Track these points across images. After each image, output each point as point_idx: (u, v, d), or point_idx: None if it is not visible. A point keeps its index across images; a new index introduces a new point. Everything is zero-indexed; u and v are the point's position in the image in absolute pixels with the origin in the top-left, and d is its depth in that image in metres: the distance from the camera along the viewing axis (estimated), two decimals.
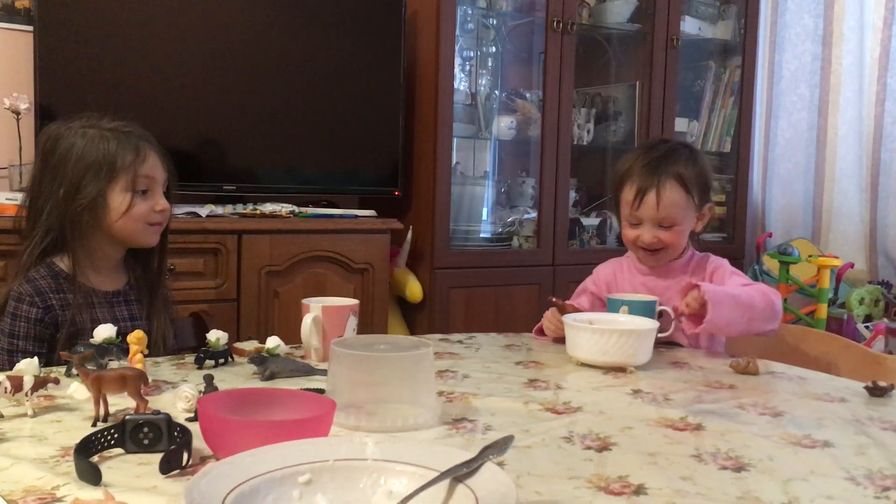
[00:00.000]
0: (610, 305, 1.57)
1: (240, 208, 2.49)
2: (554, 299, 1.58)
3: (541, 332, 1.65)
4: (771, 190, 3.60)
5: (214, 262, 2.35)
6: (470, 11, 3.04)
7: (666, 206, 1.61)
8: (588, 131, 3.22)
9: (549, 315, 1.60)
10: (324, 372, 1.24)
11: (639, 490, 0.79)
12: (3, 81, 2.46)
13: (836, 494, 0.80)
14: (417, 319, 2.83)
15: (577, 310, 1.56)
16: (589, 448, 0.93)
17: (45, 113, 2.28)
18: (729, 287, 1.55)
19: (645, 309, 1.51)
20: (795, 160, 3.51)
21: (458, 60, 2.90)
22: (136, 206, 1.44)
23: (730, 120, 3.52)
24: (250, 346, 1.41)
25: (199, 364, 1.30)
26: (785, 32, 3.54)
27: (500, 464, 0.82)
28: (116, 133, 1.44)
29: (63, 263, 1.43)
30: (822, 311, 3.03)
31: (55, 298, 1.40)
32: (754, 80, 3.52)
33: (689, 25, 3.35)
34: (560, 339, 1.55)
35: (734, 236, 3.48)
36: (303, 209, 2.58)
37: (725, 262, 1.69)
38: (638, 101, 3.27)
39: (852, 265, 3.18)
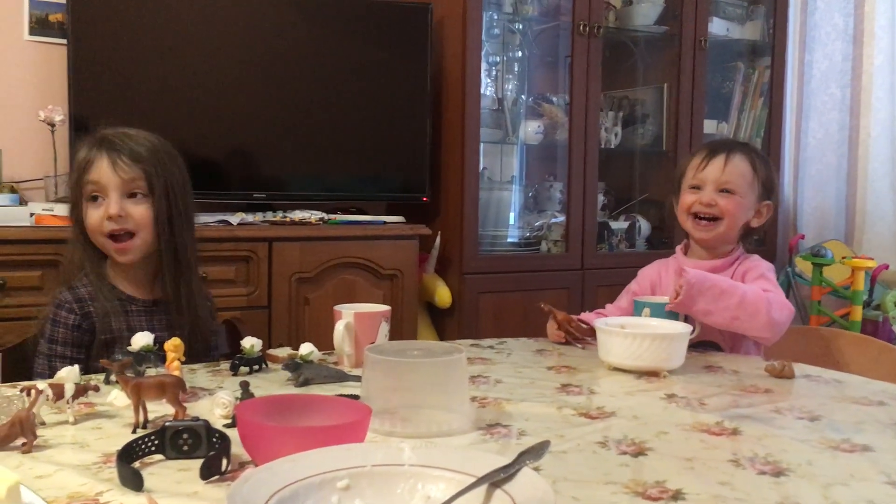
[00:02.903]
0: (635, 308, 1.57)
1: (269, 216, 2.52)
2: (543, 305, 1.65)
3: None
4: (802, 191, 3.56)
5: (246, 270, 2.37)
6: (496, 17, 3.04)
7: (731, 170, 1.65)
8: (616, 134, 3.21)
9: (549, 325, 1.66)
10: (357, 378, 1.24)
11: (676, 495, 0.79)
12: (38, 94, 2.51)
13: (878, 499, 0.79)
14: (446, 325, 2.83)
15: (566, 317, 1.62)
16: (624, 453, 0.92)
17: (79, 124, 2.32)
18: (727, 281, 1.54)
19: (665, 311, 1.51)
20: (827, 161, 3.47)
21: (484, 66, 2.90)
22: (88, 216, 1.42)
23: (759, 121, 3.48)
24: (283, 352, 1.42)
25: (234, 371, 1.31)
26: (815, 32, 3.50)
27: (536, 469, 0.82)
28: (93, 139, 1.44)
29: (107, 271, 1.46)
30: (857, 313, 2.98)
31: (94, 305, 1.42)
32: (784, 81, 3.48)
33: (717, 26, 3.32)
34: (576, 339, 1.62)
35: (765, 238, 3.44)
36: (332, 216, 2.60)
37: (764, 265, 1.67)
38: (666, 103, 3.25)
39: (887, 266, 3.13)
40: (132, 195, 1.42)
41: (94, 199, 1.41)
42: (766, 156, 1.76)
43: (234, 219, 2.42)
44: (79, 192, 1.43)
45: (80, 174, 1.42)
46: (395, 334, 1.46)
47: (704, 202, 1.65)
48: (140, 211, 1.42)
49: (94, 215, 1.41)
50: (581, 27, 2.93)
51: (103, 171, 1.40)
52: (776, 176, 1.76)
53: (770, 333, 1.52)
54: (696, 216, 1.67)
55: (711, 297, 1.48)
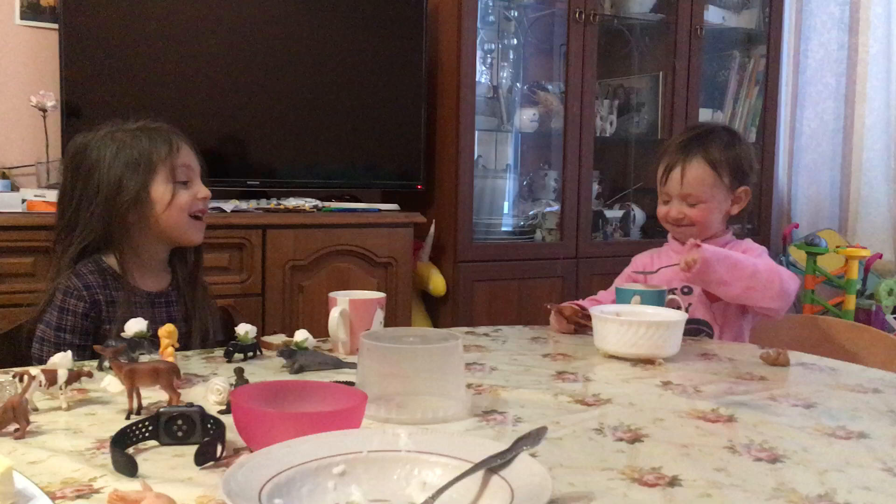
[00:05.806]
0: (619, 296, 1.55)
1: (263, 203, 2.50)
2: (550, 306, 1.64)
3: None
4: (797, 180, 3.56)
5: (240, 257, 2.36)
6: (491, 4, 3.03)
7: (690, 182, 1.65)
8: (611, 123, 3.20)
9: (554, 321, 1.63)
10: (352, 365, 1.24)
11: (673, 481, 0.79)
12: (30, 79, 2.49)
13: (874, 486, 0.79)
14: (441, 313, 2.83)
15: (574, 310, 1.59)
16: (621, 440, 0.92)
17: (71, 110, 2.31)
18: (738, 254, 1.56)
19: (655, 298, 1.51)
20: (822, 150, 3.47)
21: (479, 53, 2.89)
22: (179, 196, 1.45)
23: (755, 110, 3.48)
24: (278, 339, 1.41)
25: (229, 358, 1.30)
26: (810, 20, 3.50)
27: (532, 455, 0.82)
28: (146, 130, 1.46)
29: (110, 261, 1.45)
30: (851, 302, 3.00)
31: (102, 294, 1.41)
32: (779, 70, 3.48)
33: (713, 14, 3.31)
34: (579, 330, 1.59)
35: (759, 227, 3.44)
36: (326, 204, 2.59)
37: (757, 247, 1.70)
38: (661, 91, 3.24)
39: (880, 256, 3.14)
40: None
41: (184, 183, 1.47)
42: (733, 140, 1.70)
43: (228, 206, 2.41)
44: (146, 178, 1.42)
45: (168, 159, 1.44)
46: (389, 322, 1.46)
47: (673, 218, 1.68)
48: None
49: (186, 195, 1.47)
50: (577, 14, 2.92)
51: (192, 156, 1.49)
52: (749, 156, 1.72)
53: (781, 303, 1.54)
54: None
55: (726, 268, 1.50)
